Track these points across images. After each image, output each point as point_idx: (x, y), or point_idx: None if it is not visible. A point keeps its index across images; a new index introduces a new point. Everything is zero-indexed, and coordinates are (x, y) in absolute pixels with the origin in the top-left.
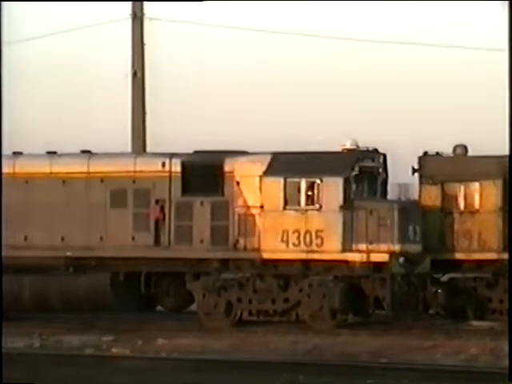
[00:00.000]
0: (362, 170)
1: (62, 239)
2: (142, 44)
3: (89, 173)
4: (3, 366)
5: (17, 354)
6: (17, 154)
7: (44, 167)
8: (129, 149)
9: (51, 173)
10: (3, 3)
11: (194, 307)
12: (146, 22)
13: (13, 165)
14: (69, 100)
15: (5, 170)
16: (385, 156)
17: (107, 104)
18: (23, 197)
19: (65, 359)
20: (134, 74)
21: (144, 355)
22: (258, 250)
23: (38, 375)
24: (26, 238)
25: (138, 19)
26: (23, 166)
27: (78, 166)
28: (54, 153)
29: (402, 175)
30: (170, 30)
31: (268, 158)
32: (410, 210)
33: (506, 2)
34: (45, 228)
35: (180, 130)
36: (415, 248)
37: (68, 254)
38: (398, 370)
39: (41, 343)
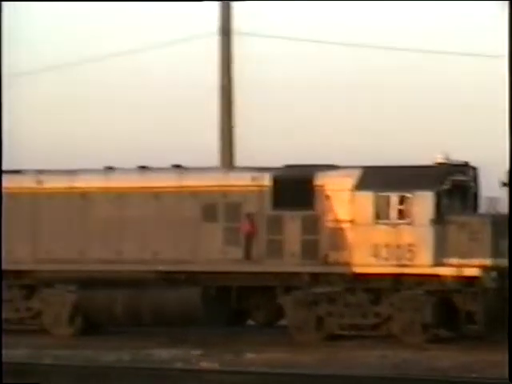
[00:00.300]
0: (454, 183)
1: (154, 253)
2: (229, 57)
3: (180, 187)
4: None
5: (106, 367)
6: (109, 168)
7: (136, 182)
8: (215, 163)
9: (143, 187)
10: (3, 3)
11: (283, 321)
12: (234, 37)
13: (105, 180)
14: (154, 115)
15: (98, 184)
16: (476, 169)
17: (193, 118)
18: (116, 211)
19: (155, 372)
20: (222, 88)
21: (233, 369)
22: (348, 264)
23: None
24: (118, 253)
25: (225, 33)
26: (115, 181)
27: (170, 181)
28: (146, 167)
29: (490, 188)
30: (258, 44)
31: (358, 172)
32: (501, 224)
33: (506, 2)
34: (137, 242)
35: (268, 143)
36: (507, 263)
37: (160, 268)
38: None
39: (131, 357)
